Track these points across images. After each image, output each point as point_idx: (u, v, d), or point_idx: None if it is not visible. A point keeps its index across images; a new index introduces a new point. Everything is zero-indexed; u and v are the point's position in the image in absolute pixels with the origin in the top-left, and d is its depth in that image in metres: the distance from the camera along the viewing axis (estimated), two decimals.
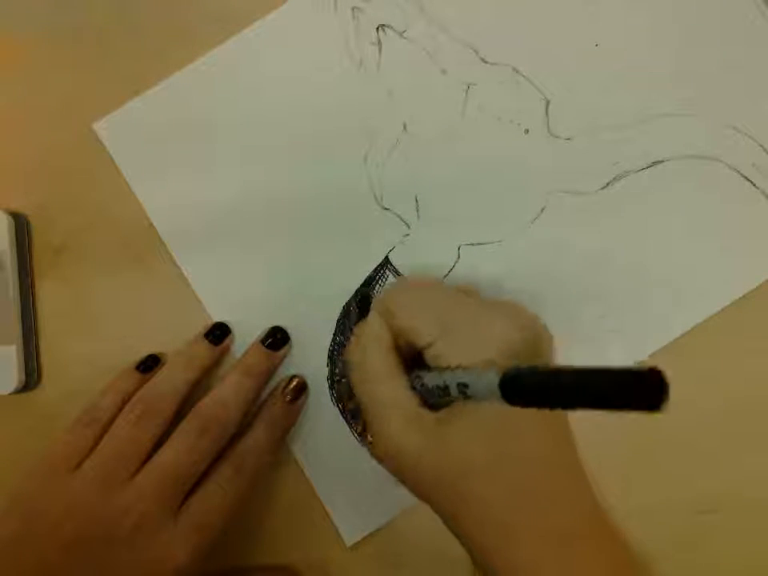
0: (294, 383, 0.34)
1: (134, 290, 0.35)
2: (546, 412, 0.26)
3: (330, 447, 0.34)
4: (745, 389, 0.33)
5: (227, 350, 0.34)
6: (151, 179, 0.35)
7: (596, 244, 0.34)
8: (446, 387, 0.24)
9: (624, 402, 0.15)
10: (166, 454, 0.29)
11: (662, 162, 0.34)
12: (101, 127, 0.35)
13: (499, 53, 0.34)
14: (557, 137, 0.34)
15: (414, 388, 0.26)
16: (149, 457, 0.29)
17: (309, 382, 0.34)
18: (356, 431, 0.34)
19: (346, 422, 0.34)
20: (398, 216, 0.34)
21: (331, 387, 0.34)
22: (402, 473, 0.27)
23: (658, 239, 0.34)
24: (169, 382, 0.32)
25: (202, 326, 0.34)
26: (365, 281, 0.34)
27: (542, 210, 0.34)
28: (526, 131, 0.34)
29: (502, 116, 0.34)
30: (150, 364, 0.34)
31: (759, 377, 0.33)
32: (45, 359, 0.35)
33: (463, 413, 0.25)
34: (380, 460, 0.27)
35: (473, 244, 0.34)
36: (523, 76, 0.34)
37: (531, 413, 0.25)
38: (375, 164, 0.34)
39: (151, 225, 0.35)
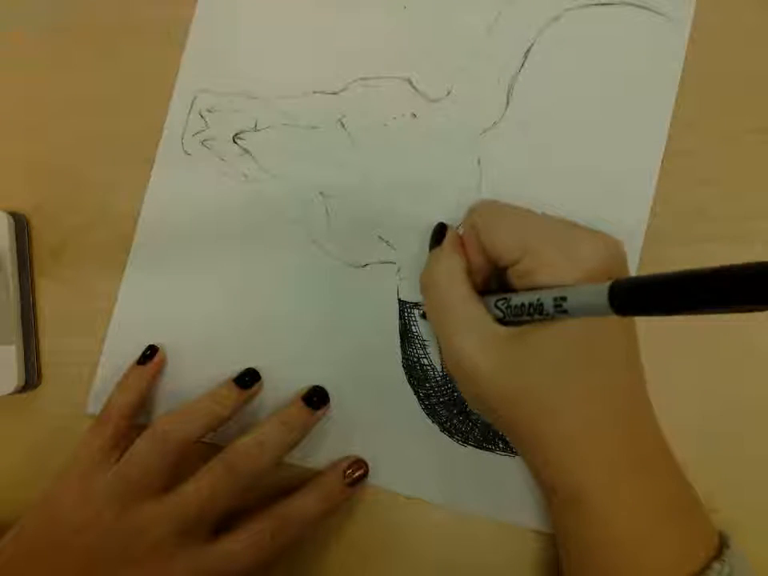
0: (360, 472, 0.32)
1: None
2: (626, 339, 0.26)
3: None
4: (745, 387, 0.33)
5: (255, 394, 0.33)
6: None
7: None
8: (540, 304, 0.24)
9: (746, 298, 0.16)
10: (187, 486, 0.29)
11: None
12: None
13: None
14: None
15: (497, 307, 0.26)
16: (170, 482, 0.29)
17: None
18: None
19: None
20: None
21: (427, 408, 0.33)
22: (474, 392, 0.27)
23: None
24: (192, 414, 0.31)
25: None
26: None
27: (479, 161, 0.33)
28: (414, 116, 0.34)
29: (385, 121, 0.34)
30: (148, 354, 0.33)
31: (760, 375, 0.33)
32: (45, 359, 0.35)
33: (539, 330, 0.25)
34: (455, 380, 0.28)
35: None
36: (370, 82, 0.34)
37: (612, 339, 0.25)
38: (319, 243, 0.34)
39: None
